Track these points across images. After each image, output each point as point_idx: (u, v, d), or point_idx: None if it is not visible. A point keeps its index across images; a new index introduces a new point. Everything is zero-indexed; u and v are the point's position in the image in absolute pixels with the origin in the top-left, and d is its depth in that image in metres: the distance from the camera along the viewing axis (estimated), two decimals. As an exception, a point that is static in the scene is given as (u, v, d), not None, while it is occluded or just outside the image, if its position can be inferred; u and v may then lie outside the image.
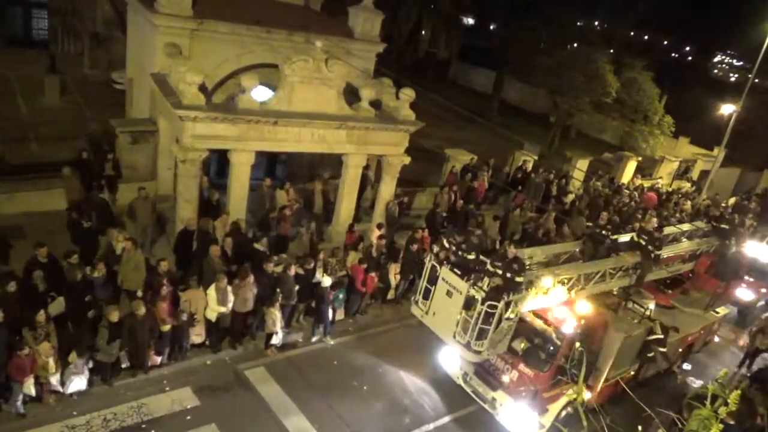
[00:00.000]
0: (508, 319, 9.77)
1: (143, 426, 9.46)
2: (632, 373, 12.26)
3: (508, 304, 9.66)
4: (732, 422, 8.18)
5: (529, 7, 31.32)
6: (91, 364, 9.65)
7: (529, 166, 21.74)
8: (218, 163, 15.99)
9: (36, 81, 21.30)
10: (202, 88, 12.51)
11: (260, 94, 13.68)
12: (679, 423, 8.38)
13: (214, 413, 9.97)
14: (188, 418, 9.79)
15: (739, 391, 5.54)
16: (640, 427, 5.86)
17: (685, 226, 15.40)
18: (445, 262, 10.39)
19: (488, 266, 9.98)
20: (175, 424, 9.60)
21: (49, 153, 16.59)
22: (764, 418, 10.41)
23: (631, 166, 26.63)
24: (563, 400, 10.87)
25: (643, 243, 12.36)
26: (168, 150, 14.51)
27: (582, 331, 10.53)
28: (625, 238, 13.09)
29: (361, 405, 11.00)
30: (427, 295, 10.63)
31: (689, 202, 23.44)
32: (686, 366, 14.23)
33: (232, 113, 12.59)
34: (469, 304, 9.73)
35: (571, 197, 20.75)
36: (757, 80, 24.09)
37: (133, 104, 17.57)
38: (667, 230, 14.48)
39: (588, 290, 11.21)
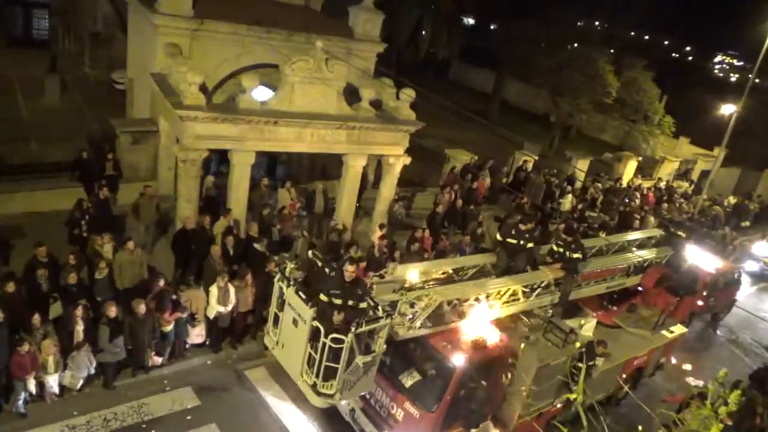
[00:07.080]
0: (367, 353, 8.04)
1: (144, 426, 9.46)
2: (559, 405, 10.13)
3: (360, 337, 7.89)
4: (731, 423, 8.19)
5: (530, 7, 31.25)
6: (94, 364, 9.63)
7: (530, 166, 21.74)
8: (218, 163, 15.99)
9: (36, 81, 21.23)
10: (203, 88, 12.53)
11: (260, 94, 13.70)
12: (679, 423, 8.40)
13: (215, 413, 9.97)
14: (189, 417, 9.80)
15: (739, 391, 5.53)
16: (640, 427, 5.87)
17: (634, 235, 14.04)
18: (293, 281, 8.51)
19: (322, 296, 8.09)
20: (175, 424, 9.61)
21: (49, 153, 16.54)
22: (764, 418, 10.40)
23: (632, 166, 26.64)
24: None
25: (561, 251, 10.66)
26: (169, 150, 14.53)
27: (480, 362, 8.93)
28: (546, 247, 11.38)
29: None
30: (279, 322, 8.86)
31: (688, 201, 23.49)
32: (686, 366, 14.17)
33: (232, 113, 12.61)
34: (316, 335, 7.91)
35: (569, 198, 20.74)
36: (757, 80, 24.02)
37: (133, 104, 17.58)
38: (612, 239, 13.20)
39: (496, 312, 9.61)
